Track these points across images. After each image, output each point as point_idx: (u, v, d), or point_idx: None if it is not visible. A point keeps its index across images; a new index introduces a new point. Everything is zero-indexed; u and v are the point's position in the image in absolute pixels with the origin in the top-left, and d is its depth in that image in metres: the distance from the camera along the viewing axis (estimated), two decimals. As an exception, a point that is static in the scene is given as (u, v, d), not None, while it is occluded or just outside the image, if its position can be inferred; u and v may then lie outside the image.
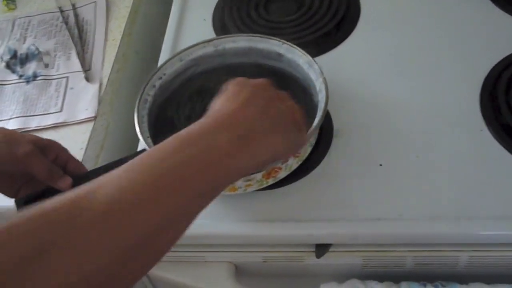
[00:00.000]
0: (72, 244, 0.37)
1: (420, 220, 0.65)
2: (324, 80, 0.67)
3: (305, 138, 0.56)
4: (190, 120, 0.72)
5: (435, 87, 0.77)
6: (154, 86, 0.73)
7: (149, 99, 0.72)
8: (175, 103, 0.75)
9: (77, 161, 0.67)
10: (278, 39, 0.72)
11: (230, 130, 0.48)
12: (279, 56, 0.72)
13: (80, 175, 0.66)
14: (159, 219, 0.41)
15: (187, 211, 0.44)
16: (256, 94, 0.53)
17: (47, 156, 0.63)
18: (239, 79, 0.55)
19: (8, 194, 0.65)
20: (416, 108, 0.76)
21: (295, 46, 0.70)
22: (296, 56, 0.71)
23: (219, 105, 0.52)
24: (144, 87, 0.72)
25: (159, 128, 0.73)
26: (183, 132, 0.47)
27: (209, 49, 0.75)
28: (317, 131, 0.70)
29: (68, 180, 0.63)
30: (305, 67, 0.70)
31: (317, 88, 0.68)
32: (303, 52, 0.70)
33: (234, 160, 0.47)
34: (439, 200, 0.66)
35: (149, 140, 0.68)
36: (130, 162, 0.44)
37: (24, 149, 0.61)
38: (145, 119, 0.71)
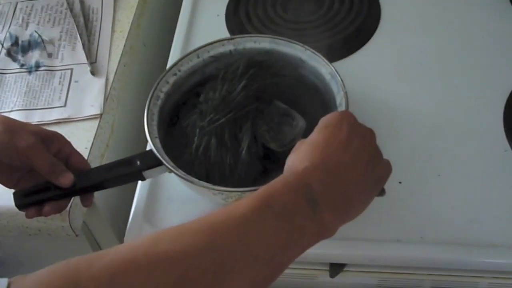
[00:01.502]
0: None
1: (441, 244, 0.62)
2: (346, 94, 0.64)
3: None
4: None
5: (457, 102, 0.74)
6: (167, 82, 0.70)
7: (161, 96, 0.69)
8: (188, 102, 0.71)
9: (80, 155, 0.65)
10: (302, 44, 0.68)
11: (333, 201, 0.46)
12: (301, 61, 0.69)
13: (82, 172, 0.63)
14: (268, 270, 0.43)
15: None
16: (365, 151, 0.50)
17: (49, 148, 0.61)
18: (351, 118, 0.52)
19: (7, 184, 0.63)
20: (437, 122, 0.73)
21: (318, 54, 0.67)
22: (319, 65, 0.67)
23: (327, 146, 0.49)
24: (157, 83, 0.69)
25: (169, 128, 0.70)
26: (293, 182, 0.46)
27: (228, 47, 0.71)
28: None
29: (70, 176, 0.61)
30: (327, 77, 0.67)
31: (337, 102, 0.65)
32: (327, 61, 0.66)
33: (325, 231, 0.47)
34: (462, 223, 0.64)
35: (157, 140, 0.65)
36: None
37: (26, 141, 0.58)
38: (156, 116, 0.67)
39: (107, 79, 0.81)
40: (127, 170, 0.63)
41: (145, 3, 0.94)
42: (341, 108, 0.64)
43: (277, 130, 0.65)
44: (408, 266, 0.65)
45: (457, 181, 0.67)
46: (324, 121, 0.52)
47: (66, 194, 0.62)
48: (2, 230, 0.72)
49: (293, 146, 0.52)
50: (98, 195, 0.75)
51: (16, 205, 0.62)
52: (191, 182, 0.60)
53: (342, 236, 0.63)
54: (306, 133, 0.59)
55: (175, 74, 0.70)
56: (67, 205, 0.64)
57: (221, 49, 0.71)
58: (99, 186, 0.64)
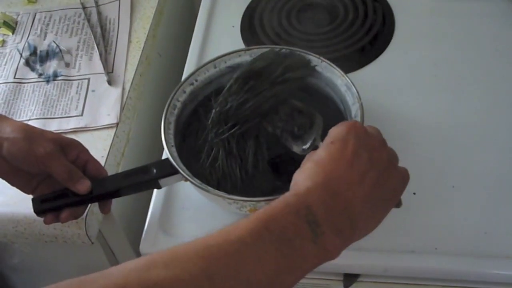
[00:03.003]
0: None
1: (456, 255, 0.62)
2: (361, 106, 0.64)
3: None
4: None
5: (471, 113, 0.75)
6: (184, 92, 0.71)
7: (178, 105, 0.70)
8: (205, 112, 0.72)
9: (97, 163, 0.65)
10: (318, 55, 0.69)
11: (336, 223, 0.44)
12: (317, 73, 0.69)
13: (99, 180, 0.64)
14: None
15: None
16: (374, 167, 0.47)
17: (67, 155, 0.62)
18: (358, 129, 0.48)
19: (26, 190, 0.64)
20: (451, 134, 0.73)
21: (334, 65, 0.67)
22: (334, 76, 0.68)
23: (331, 163, 0.46)
24: (175, 93, 0.70)
25: (185, 137, 0.70)
26: (293, 204, 0.44)
27: (245, 58, 0.72)
28: None
29: (87, 183, 0.62)
30: (342, 89, 0.67)
31: (353, 113, 0.65)
32: (342, 73, 0.67)
33: (328, 255, 0.44)
34: (476, 235, 0.64)
35: (173, 149, 0.66)
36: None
37: (44, 149, 0.59)
38: (172, 125, 0.68)
39: (123, 89, 0.82)
40: (144, 178, 0.64)
41: (161, 14, 0.95)
42: (356, 119, 0.64)
43: (297, 131, 0.65)
44: (422, 277, 0.65)
45: (471, 193, 0.67)
46: (331, 134, 0.49)
47: (83, 201, 0.63)
48: (19, 237, 0.73)
49: (314, 148, 0.51)
50: (113, 204, 0.76)
51: (35, 211, 0.63)
52: (207, 191, 0.61)
53: (357, 247, 0.64)
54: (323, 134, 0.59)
55: (192, 84, 0.71)
56: (84, 212, 0.65)
57: (237, 60, 0.72)
58: (116, 194, 0.65)
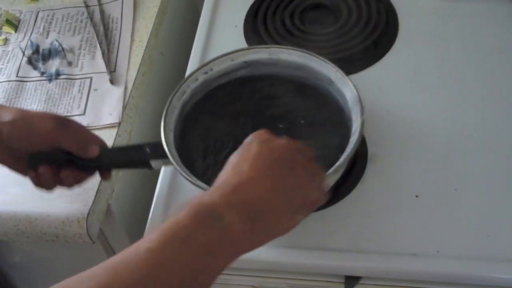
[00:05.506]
0: None
1: (458, 258, 0.62)
2: (363, 123, 0.63)
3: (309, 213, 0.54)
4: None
5: (475, 116, 0.74)
6: (197, 79, 0.71)
7: (188, 91, 0.70)
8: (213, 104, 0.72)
9: (96, 136, 0.68)
10: (334, 65, 0.68)
11: (241, 211, 0.46)
12: (330, 81, 0.69)
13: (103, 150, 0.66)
14: None
15: None
16: (279, 161, 0.50)
17: (67, 130, 0.64)
18: (263, 135, 0.53)
19: (23, 173, 0.66)
20: (454, 136, 0.72)
21: (347, 77, 0.67)
22: (345, 88, 0.67)
23: (235, 167, 0.50)
24: (187, 78, 0.70)
25: (188, 126, 0.70)
26: (196, 206, 0.45)
27: (263, 55, 0.72)
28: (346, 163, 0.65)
29: (96, 148, 0.64)
30: (349, 101, 0.66)
31: (353, 128, 0.64)
32: (354, 85, 0.66)
33: (242, 245, 0.46)
34: (478, 238, 0.63)
35: (170, 133, 0.66)
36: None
37: (49, 126, 0.62)
38: (177, 110, 0.69)
39: (125, 88, 0.82)
40: (136, 157, 0.66)
41: (163, 14, 0.95)
42: (354, 136, 0.63)
43: None
44: (424, 280, 0.64)
45: (474, 195, 0.67)
46: (241, 145, 0.53)
47: (79, 166, 0.65)
48: (20, 236, 0.72)
49: None
50: (114, 204, 0.76)
51: (29, 162, 0.64)
52: (193, 182, 0.61)
53: (358, 249, 0.64)
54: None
55: (206, 73, 0.71)
56: (84, 180, 0.67)
57: (255, 56, 0.72)
58: (110, 167, 0.67)
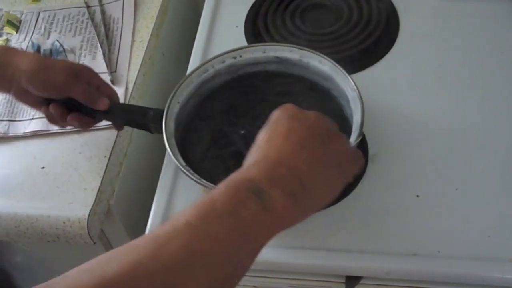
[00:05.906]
0: None
1: (458, 258, 0.62)
2: (362, 124, 0.63)
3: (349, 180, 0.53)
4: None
5: (475, 115, 0.74)
6: (223, 61, 0.72)
7: (211, 71, 0.72)
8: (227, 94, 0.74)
9: (109, 86, 0.72)
10: (334, 62, 0.68)
11: (283, 186, 0.45)
12: (330, 77, 0.69)
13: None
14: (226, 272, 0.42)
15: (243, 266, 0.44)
16: (312, 133, 0.49)
17: (81, 80, 0.68)
18: (291, 109, 0.52)
19: (32, 106, 0.72)
20: (455, 136, 0.72)
21: (349, 76, 0.67)
22: (345, 85, 0.67)
23: (268, 142, 0.49)
24: (212, 59, 0.72)
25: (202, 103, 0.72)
26: (233, 184, 0.45)
27: (295, 55, 0.72)
28: None
29: (106, 101, 0.68)
30: (350, 98, 0.66)
31: (354, 126, 0.65)
32: (355, 84, 0.66)
33: (284, 220, 0.45)
34: (479, 238, 0.63)
35: (178, 105, 0.68)
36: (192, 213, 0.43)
37: (62, 77, 0.66)
38: (193, 85, 0.71)
39: (126, 88, 0.82)
40: (139, 117, 0.70)
41: (164, 14, 0.95)
42: (355, 133, 0.63)
43: None
44: (425, 280, 0.64)
45: (475, 195, 0.67)
46: (269, 118, 0.52)
47: (88, 114, 0.70)
48: (21, 237, 0.73)
49: None
50: (115, 204, 0.76)
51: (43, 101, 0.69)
52: (179, 164, 0.63)
53: (359, 249, 0.64)
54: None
55: (235, 58, 0.73)
56: (91, 125, 0.73)
57: (288, 54, 0.72)
58: (116, 120, 0.72)
